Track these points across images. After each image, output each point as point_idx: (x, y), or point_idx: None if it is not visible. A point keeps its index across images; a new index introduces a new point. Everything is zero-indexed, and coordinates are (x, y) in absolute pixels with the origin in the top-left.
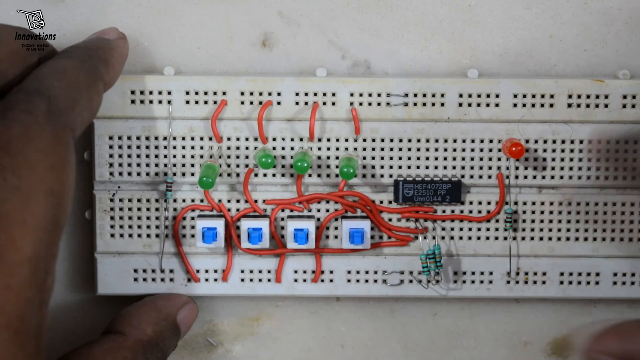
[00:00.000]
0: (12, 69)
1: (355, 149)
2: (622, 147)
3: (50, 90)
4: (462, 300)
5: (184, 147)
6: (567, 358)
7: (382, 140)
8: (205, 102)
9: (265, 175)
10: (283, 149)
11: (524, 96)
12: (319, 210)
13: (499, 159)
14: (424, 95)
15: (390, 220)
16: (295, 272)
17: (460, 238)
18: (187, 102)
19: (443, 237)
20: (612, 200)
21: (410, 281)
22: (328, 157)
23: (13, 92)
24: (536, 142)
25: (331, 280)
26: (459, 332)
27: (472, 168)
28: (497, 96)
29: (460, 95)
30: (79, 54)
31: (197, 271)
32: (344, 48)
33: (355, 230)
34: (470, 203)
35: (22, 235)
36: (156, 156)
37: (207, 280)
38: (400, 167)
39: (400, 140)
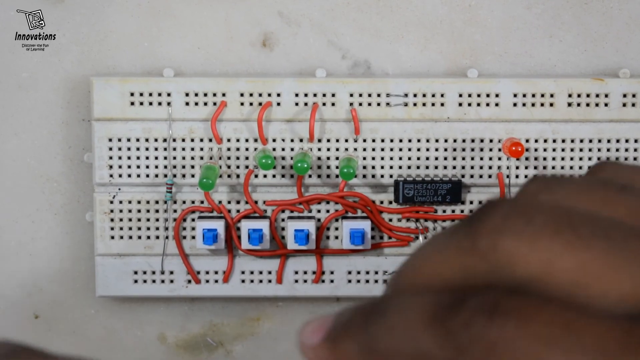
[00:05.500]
0: None
1: (355, 149)
2: (623, 145)
3: None
4: None
5: (183, 149)
6: None
7: (382, 141)
8: (205, 104)
9: (265, 176)
10: (283, 149)
11: (524, 96)
12: (319, 211)
13: (499, 159)
14: (424, 95)
15: (390, 220)
16: (296, 272)
17: None
18: (187, 103)
19: None
20: None
21: None
22: (328, 158)
23: None
24: (536, 141)
25: (332, 281)
26: None
27: (472, 168)
28: (497, 96)
29: (460, 95)
30: None
31: (198, 272)
32: (344, 48)
33: (356, 230)
34: (471, 203)
35: None
36: (156, 158)
37: (207, 281)
38: (400, 167)
39: (400, 141)
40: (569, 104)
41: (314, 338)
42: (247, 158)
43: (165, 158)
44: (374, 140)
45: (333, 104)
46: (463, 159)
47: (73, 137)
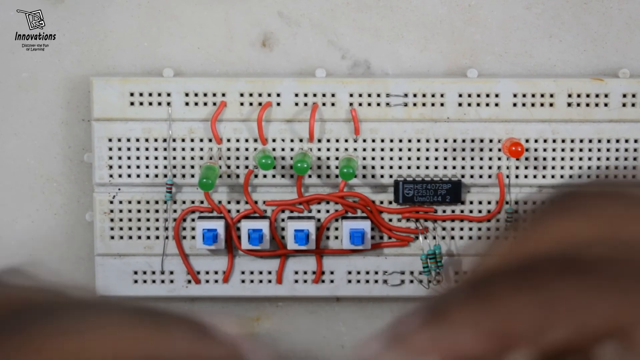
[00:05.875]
0: None
1: (355, 149)
2: (622, 145)
3: None
4: None
5: (183, 149)
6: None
7: (382, 141)
8: (205, 104)
9: (265, 176)
10: (283, 150)
11: (524, 96)
12: (319, 211)
13: (499, 159)
14: (424, 96)
15: (390, 220)
16: (296, 272)
17: (461, 238)
18: (187, 103)
19: (443, 237)
20: None
21: (411, 281)
22: (328, 158)
23: None
24: (536, 141)
25: (332, 281)
26: None
27: (472, 168)
28: (496, 96)
29: (460, 95)
30: None
31: (198, 272)
32: (344, 48)
33: (356, 230)
34: (471, 203)
35: None
36: (156, 158)
37: (207, 281)
38: (400, 167)
39: (400, 141)
40: (569, 104)
41: (375, 347)
42: (247, 158)
43: (165, 158)
44: (373, 141)
45: (333, 104)
46: (463, 159)
47: (73, 137)
